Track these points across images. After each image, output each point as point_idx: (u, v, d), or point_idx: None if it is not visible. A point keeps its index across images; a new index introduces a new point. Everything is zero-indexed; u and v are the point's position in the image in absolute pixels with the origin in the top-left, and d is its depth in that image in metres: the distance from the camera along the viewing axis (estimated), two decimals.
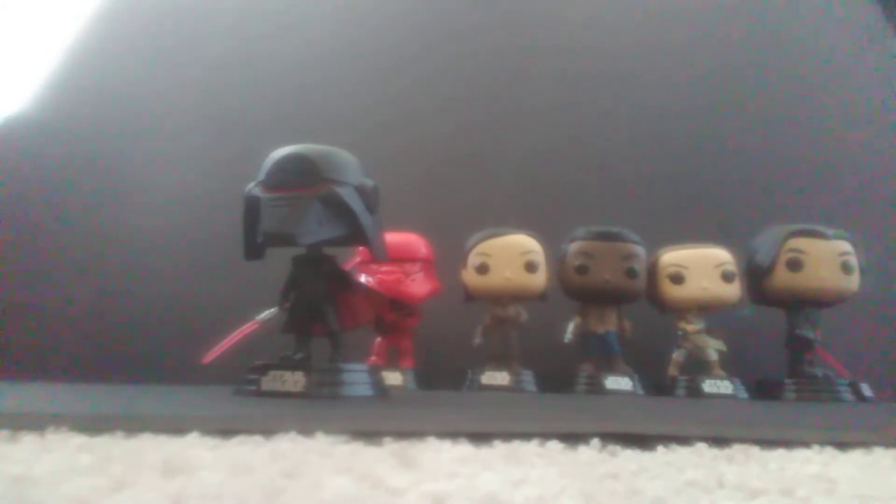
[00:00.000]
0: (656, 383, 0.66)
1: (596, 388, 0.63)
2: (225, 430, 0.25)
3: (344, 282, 0.48)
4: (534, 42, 0.97)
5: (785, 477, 0.22)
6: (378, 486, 0.19)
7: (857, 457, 0.27)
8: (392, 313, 0.65)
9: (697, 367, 0.66)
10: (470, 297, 0.67)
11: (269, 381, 0.43)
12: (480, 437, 0.27)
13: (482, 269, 0.65)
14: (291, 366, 0.43)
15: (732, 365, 0.66)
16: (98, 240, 0.85)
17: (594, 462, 0.24)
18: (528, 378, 0.65)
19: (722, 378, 0.63)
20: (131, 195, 0.88)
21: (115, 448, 0.23)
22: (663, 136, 0.90)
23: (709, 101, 0.92)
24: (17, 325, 0.79)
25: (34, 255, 0.84)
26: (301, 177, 0.42)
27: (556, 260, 0.67)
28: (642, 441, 0.27)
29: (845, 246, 0.63)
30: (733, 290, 0.65)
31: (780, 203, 0.83)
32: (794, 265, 0.62)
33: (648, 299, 0.68)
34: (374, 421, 0.30)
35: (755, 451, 0.27)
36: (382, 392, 0.47)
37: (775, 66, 0.94)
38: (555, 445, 0.26)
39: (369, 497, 0.18)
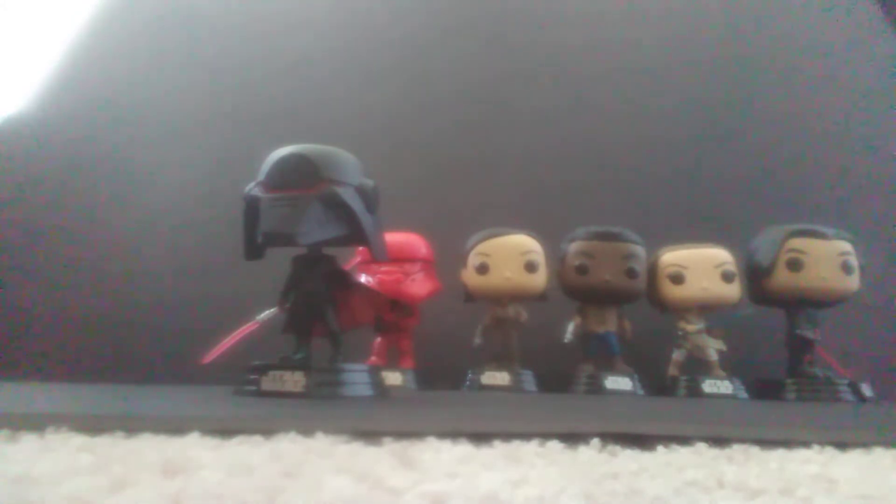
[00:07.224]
0: (656, 383, 0.66)
1: (596, 388, 0.63)
2: (225, 430, 0.25)
3: (344, 282, 0.48)
4: (533, 41, 0.97)
5: (785, 477, 0.22)
6: (378, 486, 0.19)
7: (857, 457, 0.27)
8: (392, 313, 0.65)
9: (697, 367, 0.66)
10: (470, 297, 0.67)
11: (269, 381, 0.43)
12: (480, 437, 0.26)
13: (482, 269, 0.65)
14: (291, 366, 0.43)
15: (732, 365, 0.66)
16: (98, 240, 0.84)
17: (594, 462, 0.24)
18: (528, 378, 0.65)
19: (722, 378, 0.63)
20: (131, 195, 0.88)
21: (115, 448, 0.23)
22: (663, 136, 0.90)
23: (708, 101, 0.92)
24: (18, 326, 0.79)
25: (34, 255, 0.84)
26: (301, 177, 0.42)
27: (556, 260, 0.67)
28: (642, 441, 0.27)
29: (845, 246, 0.63)
30: (733, 290, 0.65)
31: (780, 203, 0.83)
32: (794, 265, 0.62)
33: (648, 299, 0.68)
34: (374, 421, 0.30)
35: (755, 451, 0.27)
36: (382, 392, 0.47)
37: (775, 66, 0.94)
38: (555, 445, 0.26)
39: (369, 497, 0.18)
